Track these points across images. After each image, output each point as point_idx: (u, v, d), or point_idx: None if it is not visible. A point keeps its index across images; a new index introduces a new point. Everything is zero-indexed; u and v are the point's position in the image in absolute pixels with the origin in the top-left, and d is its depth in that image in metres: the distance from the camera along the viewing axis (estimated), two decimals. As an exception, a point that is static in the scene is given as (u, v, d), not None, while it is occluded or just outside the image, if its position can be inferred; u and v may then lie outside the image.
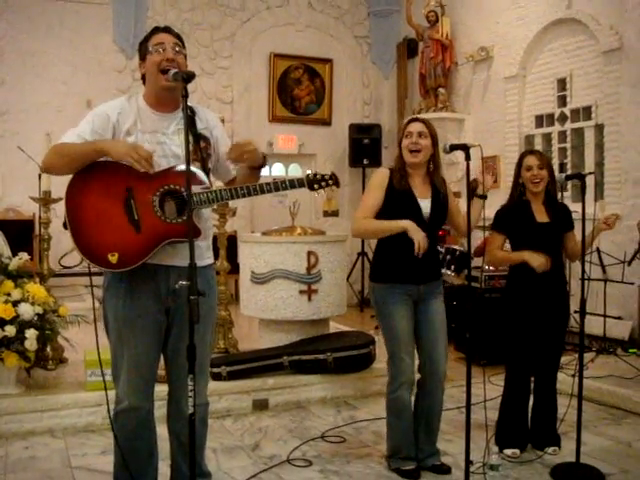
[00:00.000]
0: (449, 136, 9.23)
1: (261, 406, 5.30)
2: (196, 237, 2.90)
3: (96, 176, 2.95)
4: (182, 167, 2.92)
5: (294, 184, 3.15)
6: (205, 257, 3.18)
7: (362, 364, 5.63)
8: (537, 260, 4.14)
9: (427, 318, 4.00)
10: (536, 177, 4.23)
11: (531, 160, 4.27)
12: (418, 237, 3.77)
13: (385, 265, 4.01)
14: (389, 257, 3.98)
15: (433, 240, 3.99)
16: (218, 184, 3.38)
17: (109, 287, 3.09)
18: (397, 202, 3.93)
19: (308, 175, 3.18)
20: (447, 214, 4.07)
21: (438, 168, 4.05)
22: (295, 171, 11.13)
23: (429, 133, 3.96)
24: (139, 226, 2.92)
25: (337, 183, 3.20)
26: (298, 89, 10.94)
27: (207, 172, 3.10)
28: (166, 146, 3.03)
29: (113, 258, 2.89)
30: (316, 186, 3.17)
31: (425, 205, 3.94)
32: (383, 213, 3.97)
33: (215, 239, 5.60)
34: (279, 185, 3.10)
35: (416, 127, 3.97)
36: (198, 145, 3.06)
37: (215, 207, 5.97)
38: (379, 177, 4.03)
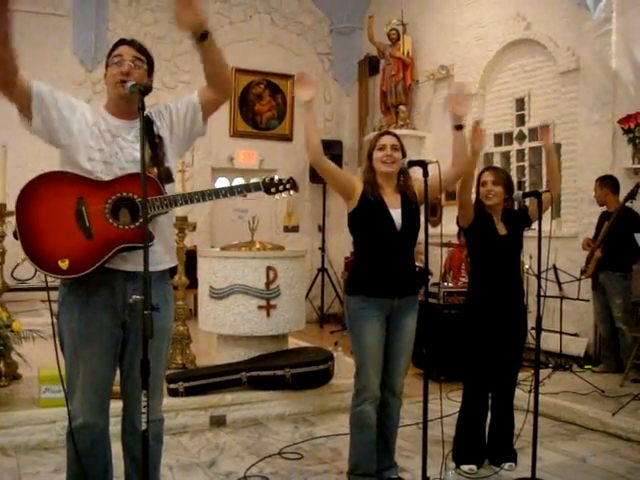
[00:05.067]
0: (409, 153, 9.11)
1: (218, 422, 5.25)
2: (150, 242, 2.87)
3: (48, 186, 2.92)
4: (134, 172, 2.92)
5: (249, 188, 3.12)
6: (164, 261, 3.12)
7: (320, 380, 5.62)
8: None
9: (396, 334, 3.99)
10: (489, 192, 4.32)
11: (485, 176, 4.38)
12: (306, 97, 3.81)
13: (360, 277, 3.98)
14: (365, 270, 3.97)
15: (408, 253, 4.01)
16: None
17: (64, 301, 3.04)
18: (369, 212, 3.93)
19: (265, 179, 3.16)
20: (419, 225, 4.04)
21: (408, 180, 4.09)
22: (256, 186, 11.10)
23: (400, 146, 4.02)
24: (90, 232, 2.88)
25: (295, 187, 3.19)
26: (259, 104, 10.95)
27: (169, 175, 3.09)
28: (127, 151, 3.01)
29: (63, 264, 2.84)
30: (273, 190, 3.16)
31: (396, 214, 3.94)
32: (355, 222, 3.99)
33: (174, 253, 5.55)
34: (234, 189, 3.09)
35: (389, 140, 4.01)
36: (156, 151, 3.04)
37: (174, 221, 5.93)
38: (355, 175, 4.07)
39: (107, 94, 3.12)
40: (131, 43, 3.09)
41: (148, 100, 2.83)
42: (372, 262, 3.95)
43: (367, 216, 3.94)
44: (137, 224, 2.92)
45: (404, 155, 4.02)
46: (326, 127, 11.45)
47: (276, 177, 3.19)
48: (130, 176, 2.95)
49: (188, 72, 10.38)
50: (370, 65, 10.98)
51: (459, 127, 4.06)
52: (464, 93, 4.11)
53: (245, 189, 3.11)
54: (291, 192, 3.22)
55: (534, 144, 8.32)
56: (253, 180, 3.26)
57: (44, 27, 9.48)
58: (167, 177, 3.08)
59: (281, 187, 3.17)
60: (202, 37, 2.90)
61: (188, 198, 3.01)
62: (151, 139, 3.02)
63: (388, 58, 10.10)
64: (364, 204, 3.95)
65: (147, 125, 3.00)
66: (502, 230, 4.35)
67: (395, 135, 4.10)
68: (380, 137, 4.08)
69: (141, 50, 3.09)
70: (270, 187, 3.15)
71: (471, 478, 4.24)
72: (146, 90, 2.74)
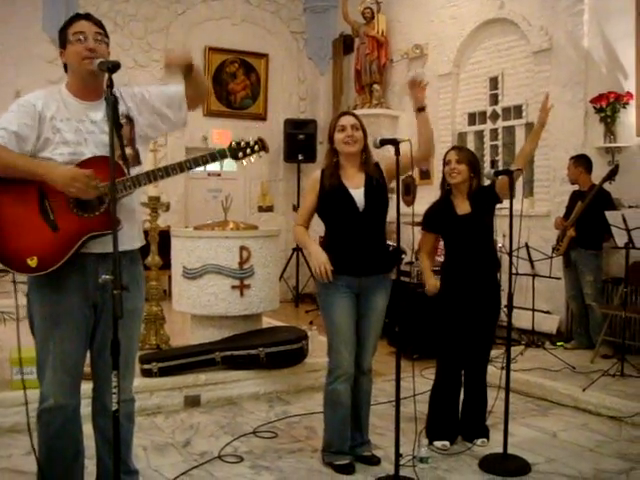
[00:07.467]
0: (384, 132, 9.28)
1: (193, 402, 5.25)
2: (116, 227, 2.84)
3: (8, 185, 2.86)
4: (94, 156, 2.89)
5: (215, 157, 3.04)
6: (134, 240, 3.11)
7: (294, 359, 5.63)
8: (429, 284, 4.54)
9: (364, 312, 4.02)
10: (453, 170, 4.36)
11: (450, 155, 4.44)
12: (314, 263, 3.90)
13: (328, 256, 3.97)
14: (331, 249, 3.98)
15: (374, 232, 4.01)
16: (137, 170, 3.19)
17: (34, 282, 3.01)
18: (329, 199, 4.00)
19: (231, 144, 3.08)
20: (386, 200, 4.07)
21: (369, 158, 4.09)
22: (230, 166, 11.02)
23: (360, 126, 4.03)
24: (56, 225, 2.85)
25: (265, 148, 3.12)
26: (233, 83, 10.86)
27: (136, 158, 3.06)
28: (95, 135, 2.96)
29: (32, 262, 2.82)
30: (240, 155, 3.09)
31: (358, 194, 3.96)
32: (319, 212, 4.07)
33: (147, 234, 5.50)
34: (199, 160, 3.01)
35: (349, 120, 4.02)
36: (120, 133, 2.94)
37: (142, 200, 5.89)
38: (310, 182, 4.16)
39: (69, 74, 3.03)
40: (89, 17, 3.01)
41: (119, 79, 2.78)
42: (337, 242, 4.00)
43: (327, 202, 4.02)
44: (102, 210, 2.88)
45: (365, 134, 4.04)
46: (300, 106, 11.41)
47: (243, 140, 3.10)
48: (90, 160, 2.89)
49: (160, 50, 10.27)
50: (344, 44, 10.93)
51: (422, 109, 4.02)
52: (421, 79, 4.08)
53: (211, 158, 3.03)
54: (260, 154, 3.14)
55: (507, 123, 8.35)
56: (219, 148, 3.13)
57: (12, 3, 9.29)
58: (135, 159, 3.04)
59: (248, 151, 3.09)
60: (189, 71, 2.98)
61: (152, 176, 2.95)
62: (116, 120, 2.94)
63: (362, 37, 10.07)
64: (323, 193, 4.02)
65: (113, 105, 2.94)
66: (463, 209, 4.37)
67: (354, 115, 4.13)
68: (339, 118, 4.10)
69: (100, 24, 3.02)
70: (237, 152, 3.08)
71: (444, 454, 4.28)
72: (114, 67, 2.67)
